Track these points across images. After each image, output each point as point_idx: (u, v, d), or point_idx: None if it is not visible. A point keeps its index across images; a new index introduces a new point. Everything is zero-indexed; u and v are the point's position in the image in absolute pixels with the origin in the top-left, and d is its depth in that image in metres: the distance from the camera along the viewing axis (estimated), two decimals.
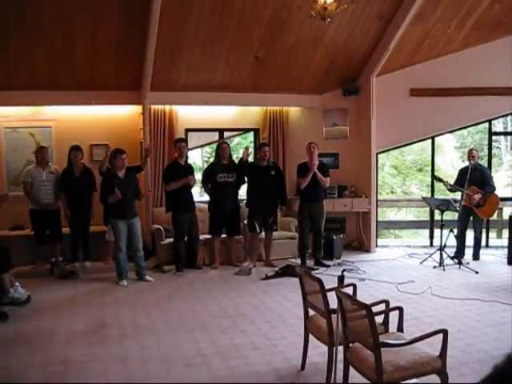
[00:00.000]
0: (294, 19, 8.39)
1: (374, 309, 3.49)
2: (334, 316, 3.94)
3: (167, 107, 9.47)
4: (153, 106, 9.29)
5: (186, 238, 8.53)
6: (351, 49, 9.28)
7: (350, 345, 3.80)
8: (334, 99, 10.19)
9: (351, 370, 3.78)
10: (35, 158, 8.39)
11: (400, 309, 4.22)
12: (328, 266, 8.58)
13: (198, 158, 15.50)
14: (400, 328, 4.17)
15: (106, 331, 5.77)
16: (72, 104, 9.03)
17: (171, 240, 8.65)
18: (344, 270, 4.49)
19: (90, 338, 5.58)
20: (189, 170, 8.58)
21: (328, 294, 4.07)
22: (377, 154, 10.07)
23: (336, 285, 4.06)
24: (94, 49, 8.33)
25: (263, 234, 8.82)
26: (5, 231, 8.46)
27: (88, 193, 8.41)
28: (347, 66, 9.70)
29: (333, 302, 4.01)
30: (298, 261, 8.89)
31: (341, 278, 3.90)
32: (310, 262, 8.80)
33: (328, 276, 7.33)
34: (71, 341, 5.50)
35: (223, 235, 8.84)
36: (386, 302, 4.31)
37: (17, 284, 6.67)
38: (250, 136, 11.31)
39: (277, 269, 8.31)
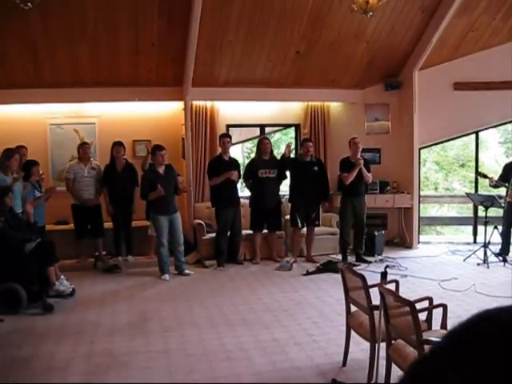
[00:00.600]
0: (335, 13, 8.33)
1: (417, 306, 3.45)
2: (376, 312, 3.91)
3: (209, 103, 9.52)
4: (194, 102, 9.36)
5: (228, 233, 8.58)
6: (393, 43, 9.16)
7: (393, 342, 3.77)
8: (376, 94, 10.09)
9: (393, 367, 3.74)
10: (77, 154, 8.55)
11: (444, 306, 4.15)
12: (369, 263, 8.52)
13: (239, 153, 15.55)
14: (444, 326, 4.11)
15: (149, 324, 5.86)
16: (115, 101, 9.18)
17: (213, 235, 8.71)
18: (387, 267, 4.45)
19: (133, 330, 5.68)
20: (233, 165, 8.61)
21: (370, 290, 4.04)
22: (419, 149, 9.92)
23: (378, 281, 4.04)
24: (136, 46, 8.45)
25: (305, 229, 8.80)
26: (50, 225, 8.63)
27: (130, 188, 8.52)
28: (389, 60, 9.59)
29: (375, 299, 3.99)
30: (339, 257, 8.85)
31: (384, 274, 3.87)
32: (351, 258, 8.74)
33: (369, 272, 7.32)
34: (114, 333, 5.61)
35: (264, 230, 8.85)
36: (430, 299, 4.26)
37: (62, 277, 6.84)
38: (291, 132, 11.29)
39: (318, 264, 8.30)
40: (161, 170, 7.92)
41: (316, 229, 8.95)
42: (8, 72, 8.55)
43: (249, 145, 13.07)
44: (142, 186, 7.96)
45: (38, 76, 8.68)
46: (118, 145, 8.49)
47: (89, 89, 8.87)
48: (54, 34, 8.01)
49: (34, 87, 8.69)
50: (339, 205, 8.86)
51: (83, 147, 8.49)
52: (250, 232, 8.85)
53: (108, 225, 8.63)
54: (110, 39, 8.25)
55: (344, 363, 4.57)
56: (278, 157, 8.93)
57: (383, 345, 3.87)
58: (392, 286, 4.32)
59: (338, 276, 7.21)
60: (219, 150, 8.72)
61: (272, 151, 8.92)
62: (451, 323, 4.24)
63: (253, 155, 11.62)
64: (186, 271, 8.08)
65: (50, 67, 8.60)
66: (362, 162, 8.46)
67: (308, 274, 7.95)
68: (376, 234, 9.15)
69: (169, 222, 7.89)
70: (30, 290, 6.39)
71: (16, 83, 8.67)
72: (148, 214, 8.43)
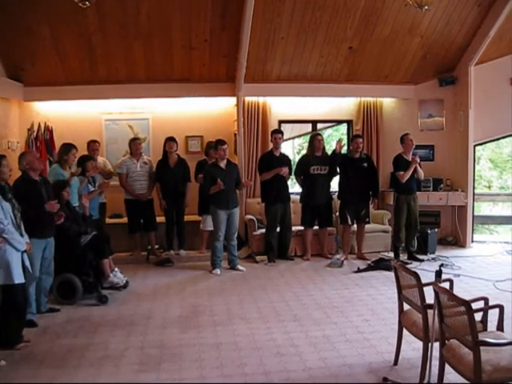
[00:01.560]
0: (389, 8, 8.24)
1: (473, 306, 3.38)
2: (429, 311, 3.86)
3: (261, 99, 9.55)
4: (247, 98, 9.40)
5: (277, 229, 8.59)
6: (448, 37, 8.99)
7: (447, 341, 3.71)
8: (430, 89, 9.91)
9: (447, 367, 3.69)
10: (129, 150, 8.71)
11: (500, 307, 4.06)
12: (422, 261, 8.40)
13: (290, 149, 15.51)
14: (500, 327, 4.03)
15: (200, 318, 5.94)
16: (168, 97, 9.31)
17: (263, 230, 8.75)
18: (442, 265, 4.38)
19: (185, 323, 5.77)
20: (283, 160, 8.60)
21: (424, 288, 3.99)
22: (474, 146, 9.70)
23: (431, 280, 3.97)
24: (189, 42, 8.56)
25: (355, 226, 8.74)
26: (105, 218, 8.83)
27: (182, 183, 8.63)
28: (444, 54, 9.41)
29: (428, 297, 3.94)
30: (391, 254, 8.75)
31: (438, 273, 3.80)
32: (403, 256, 8.62)
33: (422, 271, 7.21)
34: (167, 326, 5.72)
35: (315, 227, 8.82)
36: (485, 300, 4.16)
37: (116, 269, 6.99)
38: (342, 128, 11.22)
39: (369, 262, 8.24)
40: (222, 164, 7.99)
41: (367, 226, 8.87)
42: (66, 69, 8.81)
43: (299, 141, 13.01)
44: (204, 180, 8.05)
45: (94, 73, 8.91)
46: (170, 140, 8.59)
47: (143, 85, 9.04)
48: (109, 31, 8.20)
49: (90, 84, 8.94)
50: (393, 202, 8.74)
51: (134, 143, 8.64)
52: (301, 228, 8.84)
53: (160, 219, 8.77)
54: (163, 36, 8.39)
55: (395, 362, 4.53)
56: (329, 153, 8.87)
57: (436, 344, 3.82)
58: (446, 285, 4.25)
59: (390, 274, 7.24)
60: (271, 146, 8.73)
61: (324, 148, 8.87)
62: (507, 325, 4.16)
63: (303, 151, 11.59)
64: (239, 266, 8.14)
65: (105, 64, 8.81)
66: (418, 160, 8.33)
67: (359, 271, 7.90)
68: (429, 232, 9.01)
69: (227, 216, 7.96)
70: (85, 282, 6.59)
71: (73, 80, 8.94)
72: (201, 209, 8.55)
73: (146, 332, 5.52)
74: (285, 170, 8.39)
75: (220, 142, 8.00)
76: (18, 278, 4.97)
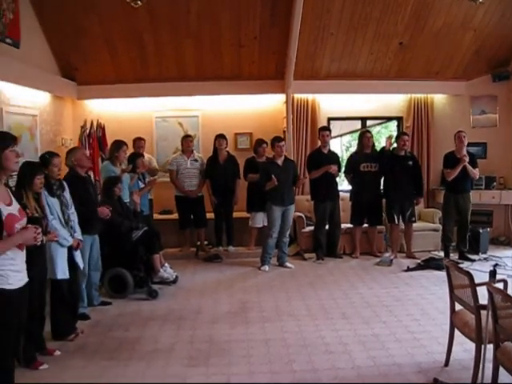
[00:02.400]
0: (441, 1, 8.10)
1: None
2: (483, 312, 3.78)
3: (310, 96, 9.50)
4: (296, 95, 9.37)
5: (326, 227, 8.55)
6: (503, 31, 8.74)
7: (501, 344, 3.62)
8: (483, 85, 9.67)
9: (501, 370, 3.60)
10: (181, 147, 8.80)
11: None
12: (473, 261, 8.21)
13: (338, 146, 15.41)
14: None
15: (249, 314, 5.98)
16: (218, 94, 9.36)
17: (312, 228, 8.72)
18: (496, 265, 4.29)
19: (234, 319, 5.82)
20: (332, 158, 8.55)
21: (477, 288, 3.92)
22: None
23: (483, 280, 3.90)
24: (239, 40, 8.60)
25: (403, 224, 8.61)
26: (155, 215, 8.99)
27: (232, 180, 8.68)
28: (498, 49, 9.17)
29: (481, 298, 3.87)
30: (441, 253, 8.60)
31: (493, 273, 3.74)
32: (453, 256, 8.45)
33: (473, 271, 6.99)
34: (216, 321, 5.79)
35: (365, 225, 8.75)
36: None
37: (166, 265, 7.10)
38: (391, 125, 11.08)
39: (419, 261, 8.12)
40: (279, 161, 8.01)
41: (417, 224, 8.75)
42: (117, 68, 8.99)
43: (347, 138, 12.91)
44: (260, 176, 8.09)
45: (145, 71, 9.05)
46: (220, 137, 8.65)
47: (193, 83, 9.13)
48: (160, 30, 8.32)
49: (141, 82, 9.08)
50: (442, 200, 8.59)
51: (186, 140, 8.73)
52: (350, 226, 8.78)
53: (210, 215, 8.84)
54: (213, 34, 8.45)
55: (446, 363, 4.47)
56: (378, 150, 8.77)
57: (490, 346, 3.73)
58: (500, 286, 4.16)
59: (440, 273, 7.15)
60: (319, 143, 8.68)
61: (374, 145, 8.78)
62: None
63: (352, 148, 11.51)
64: (287, 264, 8.15)
65: (156, 62, 8.94)
66: (466, 159, 8.12)
67: (408, 270, 7.79)
68: (481, 231, 8.80)
69: (282, 213, 7.97)
70: (136, 276, 6.72)
71: (124, 78, 9.10)
72: (250, 206, 8.58)
73: (195, 327, 5.60)
74: (334, 167, 8.34)
75: (277, 139, 8.04)
76: (61, 273, 5.10)
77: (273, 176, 7.74)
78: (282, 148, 7.96)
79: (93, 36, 8.33)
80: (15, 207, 3.38)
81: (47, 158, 5.15)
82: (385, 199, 8.66)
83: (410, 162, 8.46)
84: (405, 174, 8.36)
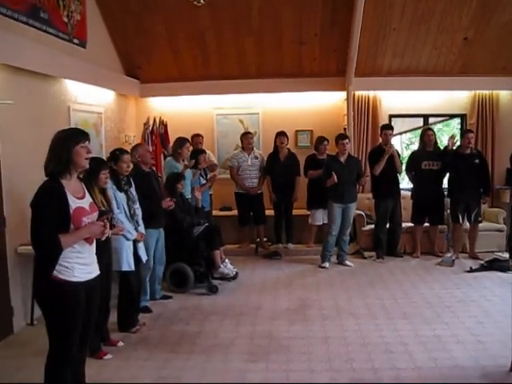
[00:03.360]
0: None
1: None
2: None
3: (371, 93, 9.40)
4: (357, 92, 9.28)
5: (387, 226, 8.46)
6: None
7: None
8: None
9: None
10: (241, 144, 8.87)
11: None
12: None
13: (398, 144, 15.18)
14: None
15: (308, 311, 5.99)
16: (279, 91, 9.40)
17: (372, 226, 8.64)
18: None
19: (293, 316, 5.84)
20: (392, 156, 8.41)
21: None
22: None
23: None
24: (300, 37, 8.60)
25: (467, 224, 8.41)
26: (215, 211, 9.07)
27: (292, 177, 8.68)
28: None
29: None
30: (506, 255, 8.34)
31: None
32: None
33: None
34: (275, 317, 5.82)
35: (426, 224, 8.59)
36: None
37: (226, 260, 7.17)
38: (453, 123, 10.83)
39: (482, 262, 7.91)
40: (342, 158, 7.98)
41: (480, 224, 8.51)
42: (179, 66, 9.15)
43: (408, 135, 12.69)
44: (322, 172, 8.08)
45: (206, 69, 9.18)
46: (281, 135, 8.67)
47: (254, 80, 9.19)
48: (221, 28, 8.43)
49: (203, 80, 9.20)
50: (508, 200, 8.34)
51: (246, 137, 8.79)
52: (411, 225, 8.65)
53: (269, 212, 8.87)
54: (274, 31, 8.49)
55: None
56: (442, 149, 8.58)
57: None
58: None
59: (504, 275, 6.98)
60: (380, 140, 8.58)
61: (436, 142, 8.61)
62: None
63: (412, 146, 11.31)
64: (347, 262, 8.11)
65: (217, 60, 9.05)
66: None
67: (471, 271, 7.61)
68: None
69: (342, 210, 7.95)
70: (197, 271, 6.83)
71: (186, 76, 9.25)
72: (310, 204, 8.58)
73: (254, 323, 5.66)
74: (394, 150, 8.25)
75: (341, 137, 8.02)
76: (126, 265, 5.25)
77: (333, 173, 7.71)
78: (345, 145, 7.92)
79: (156, 35, 8.52)
80: (87, 201, 3.44)
81: (117, 154, 5.33)
82: (449, 198, 8.47)
83: (477, 160, 8.23)
84: (471, 172, 8.14)
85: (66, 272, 3.27)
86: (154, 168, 7.65)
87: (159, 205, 5.99)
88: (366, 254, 8.59)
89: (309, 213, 8.74)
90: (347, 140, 7.99)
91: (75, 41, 6.98)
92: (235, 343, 5.09)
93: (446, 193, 8.60)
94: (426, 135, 8.49)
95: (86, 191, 3.51)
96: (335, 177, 7.68)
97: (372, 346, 4.89)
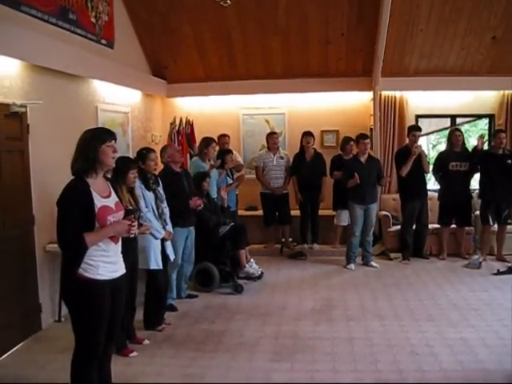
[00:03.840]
0: None
1: None
2: None
3: (398, 93, 9.33)
4: (383, 92, 9.21)
5: (414, 227, 8.40)
6: None
7: None
8: None
9: None
10: (266, 144, 8.88)
11: None
12: None
13: (424, 144, 15.05)
14: None
15: (333, 312, 5.99)
16: (305, 91, 9.40)
17: (398, 227, 8.58)
18: None
19: (318, 316, 5.85)
20: (419, 156, 8.35)
21: None
22: None
23: None
24: (326, 37, 8.58)
25: (496, 226, 8.31)
26: (241, 211, 9.09)
27: (318, 177, 8.67)
28: None
29: None
30: None
31: None
32: None
33: None
34: (300, 318, 5.84)
35: (453, 225, 8.51)
36: None
37: (252, 260, 7.21)
38: (481, 123, 10.70)
39: (510, 264, 7.81)
40: (363, 159, 7.96)
41: (508, 226, 8.40)
42: (205, 66, 9.21)
43: (434, 135, 12.58)
44: (343, 173, 8.08)
45: (233, 69, 9.21)
46: (308, 135, 8.67)
47: (280, 80, 9.19)
48: (247, 28, 8.45)
49: (229, 80, 9.23)
50: None
51: (271, 137, 8.81)
52: (438, 226, 8.57)
53: (294, 212, 8.87)
54: (300, 31, 8.49)
55: None
56: (471, 149, 8.49)
57: None
58: None
59: None
60: (407, 141, 8.51)
61: (464, 143, 8.53)
62: None
63: (439, 146, 11.21)
64: (372, 263, 8.08)
65: (243, 60, 9.08)
66: None
67: (499, 273, 7.51)
68: None
69: (364, 211, 7.92)
70: (222, 271, 6.87)
71: (212, 76, 9.31)
72: (336, 204, 8.56)
73: (280, 322, 5.67)
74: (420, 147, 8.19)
75: (362, 136, 7.99)
76: (154, 264, 5.31)
77: (355, 174, 7.68)
78: (366, 145, 7.90)
79: (182, 35, 8.59)
80: (113, 200, 3.47)
81: (144, 153, 5.40)
82: (480, 199, 8.36)
83: (509, 161, 8.10)
84: (503, 173, 8.02)
85: (91, 270, 3.30)
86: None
87: (188, 204, 6.03)
88: (392, 255, 8.53)
89: (334, 213, 8.73)
90: (368, 140, 7.96)
91: (103, 41, 7.07)
92: (260, 343, 5.11)
93: (473, 194, 8.53)
94: (454, 136, 8.41)
95: (112, 190, 3.53)
96: (357, 178, 7.66)
97: (397, 348, 4.88)
